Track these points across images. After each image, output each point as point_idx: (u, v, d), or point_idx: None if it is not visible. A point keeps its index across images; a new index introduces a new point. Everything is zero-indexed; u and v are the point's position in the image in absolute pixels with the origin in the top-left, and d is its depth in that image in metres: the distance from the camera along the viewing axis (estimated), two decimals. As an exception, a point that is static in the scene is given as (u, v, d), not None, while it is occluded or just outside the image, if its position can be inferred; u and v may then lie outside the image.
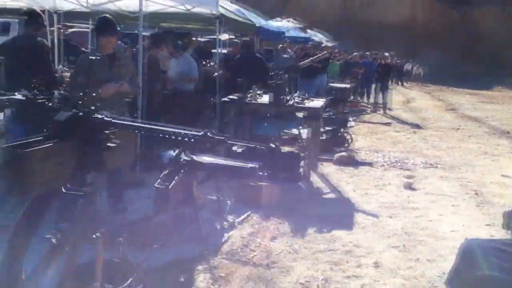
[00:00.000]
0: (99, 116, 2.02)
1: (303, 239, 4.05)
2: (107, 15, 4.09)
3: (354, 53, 15.64)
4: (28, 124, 2.20)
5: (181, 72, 6.61)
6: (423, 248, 3.98)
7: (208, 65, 10.48)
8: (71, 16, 9.37)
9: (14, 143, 1.88)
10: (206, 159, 4.21)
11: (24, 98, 2.22)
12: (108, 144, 2.03)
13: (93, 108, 2.08)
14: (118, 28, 4.26)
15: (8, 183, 1.85)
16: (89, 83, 3.40)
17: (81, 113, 2.02)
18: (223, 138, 1.97)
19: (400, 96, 18.91)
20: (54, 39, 8.54)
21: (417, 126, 10.80)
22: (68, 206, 2.73)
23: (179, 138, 1.91)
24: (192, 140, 1.90)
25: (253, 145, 4.77)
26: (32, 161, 1.84)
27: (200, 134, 1.90)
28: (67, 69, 7.26)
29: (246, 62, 7.12)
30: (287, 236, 4.09)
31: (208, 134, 1.91)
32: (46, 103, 2.18)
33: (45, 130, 2.06)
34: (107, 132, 2.04)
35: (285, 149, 6.67)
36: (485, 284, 1.87)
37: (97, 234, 2.07)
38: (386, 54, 14.41)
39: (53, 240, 2.07)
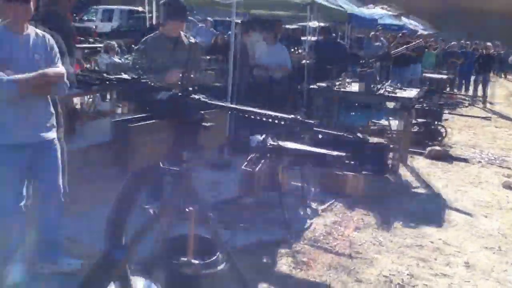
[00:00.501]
0: (196, 97, 2.12)
1: (388, 232, 3.94)
2: None
3: (453, 42, 14.64)
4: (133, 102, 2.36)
5: (275, 61, 6.59)
6: (522, 252, 3.68)
7: (297, 52, 10.47)
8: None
9: (122, 119, 2.04)
10: (292, 145, 4.26)
11: (130, 78, 2.39)
12: (204, 124, 2.14)
13: (191, 89, 2.19)
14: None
15: (115, 155, 2.01)
16: (152, 66, 3.39)
17: (180, 94, 2.14)
18: (312, 122, 1.98)
19: (503, 89, 17.43)
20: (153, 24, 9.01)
21: (522, 123, 9.92)
22: (164, 182, 2.93)
23: (270, 120, 1.95)
24: (282, 122, 1.93)
25: (341, 134, 4.71)
26: (136, 136, 1.99)
27: (290, 117, 1.93)
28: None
29: (325, 47, 7.07)
30: (371, 228, 4.01)
31: (298, 117, 1.93)
32: (149, 83, 2.31)
33: (147, 108, 2.21)
34: (202, 112, 2.15)
35: (373, 139, 6.48)
36: None
37: (190, 208, 2.20)
38: (488, 44, 13.28)
39: (151, 211, 2.24)
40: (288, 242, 3.56)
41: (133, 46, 9.31)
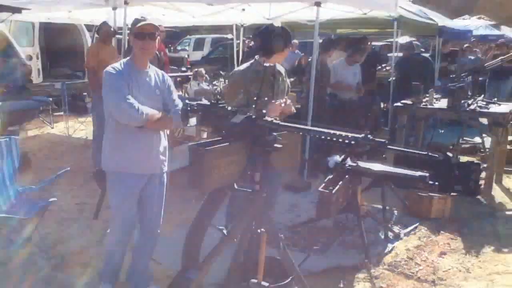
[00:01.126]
0: (269, 119, 2.22)
1: (477, 258, 3.70)
2: (279, 26, 3.55)
3: None
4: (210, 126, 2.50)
5: (351, 81, 6.52)
6: None
7: (384, 70, 10.23)
8: (253, 29, 10.24)
9: (198, 143, 2.21)
10: (372, 165, 4.18)
11: (209, 103, 2.55)
12: (276, 145, 2.23)
13: (264, 111, 2.30)
14: None
15: (192, 178, 2.17)
16: (249, 99, 3.06)
17: (253, 116, 2.25)
18: (383, 141, 1.97)
19: None
20: (239, 51, 9.48)
21: None
22: (239, 202, 3.06)
23: (340, 139, 1.97)
24: (353, 142, 1.95)
25: (419, 152, 4.54)
26: (212, 159, 2.13)
27: (360, 136, 1.94)
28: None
29: (409, 64, 6.87)
30: (458, 253, 3.79)
31: (369, 136, 1.93)
32: (226, 107, 2.45)
33: (223, 131, 2.36)
34: (275, 134, 2.24)
35: (463, 158, 6.12)
36: None
37: (262, 229, 2.27)
38: None
39: (224, 232, 2.35)
40: (367, 266, 3.49)
41: (220, 72, 9.80)
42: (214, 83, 8.51)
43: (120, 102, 2.54)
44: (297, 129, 2.17)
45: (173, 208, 3.73)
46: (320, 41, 6.69)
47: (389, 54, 10.15)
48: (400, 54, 8.44)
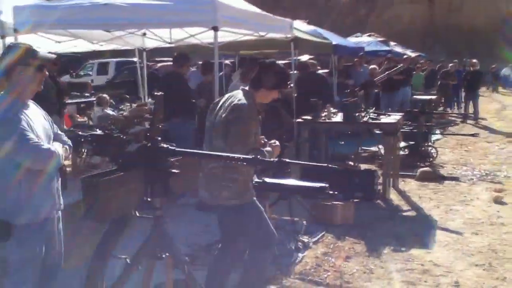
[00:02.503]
0: (164, 146, 2.24)
1: (379, 259, 3.97)
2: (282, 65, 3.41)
3: (450, 65, 14.80)
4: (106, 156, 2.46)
5: None
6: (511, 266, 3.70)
7: (288, 87, 10.69)
8: (157, 52, 10.19)
9: (91, 174, 2.16)
10: (277, 180, 4.33)
11: (102, 133, 2.52)
12: (173, 170, 2.25)
13: (159, 138, 2.32)
14: None
15: (87, 210, 2.11)
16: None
17: (149, 144, 2.26)
18: (271, 161, 2.09)
19: (495, 103, 17.57)
20: (143, 74, 9.37)
21: (513, 135, 10.00)
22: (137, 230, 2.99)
23: (233, 162, 2.06)
24: (245, 163, 2.04)
25: (324, 165, 4.80)
26: (106, 189, 2.10)
27: (250, 157, 2.04)
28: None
29: (306, 81, 7.33)
30: (362, 256, 4.04)
31: (258, 157, 2.04)
32: (121, 137, 2.43)
33: (119, 160, 2.33)
34: (172, 160, 2.26)
35: (363, 166, 6.58)
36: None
37: (166, 254, 2.27)
38: (474, 60, 13.53)
39: (128, 260, 2.31)
40: (278, 278, 3.59)
41: (126, 96, 9.59)
42: (120, 107, 8.31)
43: (35, 147, 2.32)
44: (192, 155, 2.22)
45: (72, 242, 3.56)
46: (227, 62, 6.83)
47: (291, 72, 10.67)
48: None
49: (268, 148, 2.99)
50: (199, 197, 3.00)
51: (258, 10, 6.92)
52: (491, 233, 4.45)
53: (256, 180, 4.08)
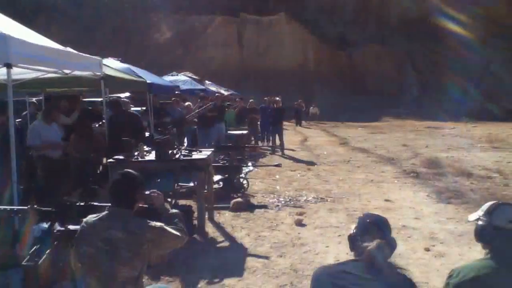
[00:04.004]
0: None
1: (193, 294, 4.02)
2: None
3: (250, 100, 16.24)
4: None
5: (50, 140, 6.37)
6: (309, 282, 4.12)
7: (97, 126, 10.28)
8: None
9: None
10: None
11: None
12: None
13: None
14: None
15: None
16: None
17: None
18: (49, 209, 1.98)
19: (298, 135, 19.84)
20: None
21: (311, 163, 11.37)
22: None
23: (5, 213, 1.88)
24: (19, 214, 1.88)
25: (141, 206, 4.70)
26: None
27: (25, 208, 1.89)
28: None
29: (119, 120, 7.27)
30: (177, 294, 4.04)
31: (35, 206, 1.91)
32: None
33: None
34: None
35: (181, 202, 6.65)
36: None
37: None
38: (277, 98, 15.14)
39: None
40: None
41: None
42: None
43: None
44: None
45: None
46: (32, 100, 6.25)
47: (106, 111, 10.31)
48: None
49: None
50: None
51: (60, 47, 6.55)
52: (293, 253, 4.93)
53: (58, 228, 3.79)
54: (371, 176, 9.46)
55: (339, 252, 4.88)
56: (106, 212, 2.63)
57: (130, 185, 2.71)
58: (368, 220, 2.34)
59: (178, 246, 2.71)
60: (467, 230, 5.37)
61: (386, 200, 7.23)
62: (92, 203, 3.43)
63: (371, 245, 2.17)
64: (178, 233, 2.62)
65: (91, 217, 2.64)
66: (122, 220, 2.52)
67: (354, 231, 2.36)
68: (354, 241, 2.33)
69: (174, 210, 2.88)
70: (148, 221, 2.58)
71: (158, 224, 2.57)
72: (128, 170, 2.99)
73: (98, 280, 2.44)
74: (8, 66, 5.04)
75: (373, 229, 2.29)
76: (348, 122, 27.59)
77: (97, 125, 9.78)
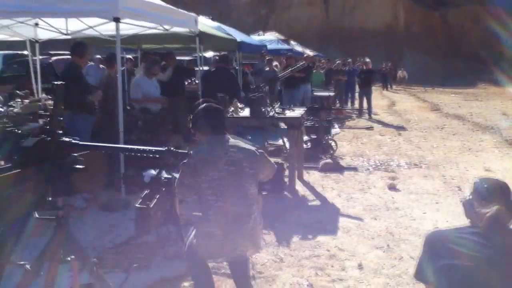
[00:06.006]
0: (66, 139, 2.07)
1: (288, 248, 4.09)
2: None
3: (337, 61, 15.82)
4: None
5: (151, 94, 6.61)
6: (407, 247, 4.03)
7: (194, 83, 10.57)
8: (51, 44, 9.47)
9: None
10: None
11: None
12: (76, 166, 2.09)
13: (60, 132, 2.13)
14: None
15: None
16: None
17: (48, 138, 2.07)
18: (185, 152, 2.04)
19: (385, 100, 19.09)
20: (37, 68, 8.65)
21: (402, 128, 10.92)
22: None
23: (145, 154, 1.97)
24: (157, 155, 1.97)
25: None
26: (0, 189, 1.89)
27: (163, 149, 1.97)
28: (50, 97, 7.31)
29: (214, 76, 7.33)
30: (272, 246, 4.13)
31: (172, 149, 1.98)
32: (16, 130, 2.21)
33: (14, 156, 2.11)
34: (74, 154, 2.10)
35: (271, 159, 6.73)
36: (447, 273, 1.93)
37: (72, 257, 2.11)
38: (367, 60, 14.55)
39: (27, 266, 2.10)
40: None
41: (17, 92, 8.79)
42: (10, 103, 7.57)
43: None
44: (98, 148, 2.08)
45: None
46: (129, 56, 6.56)
47: (196, 68, 10.58)
48: (205, 68, 8.86)
49: None
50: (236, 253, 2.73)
51: (162, 3, 6.73)
52: (388, 217, 4.81)
53: (165, 175, 4.00)
54: (468, 144, 8.88)
55: (437, 219, 4.68)
56: (206, 144, 2.72)
57: (220, 113, 2.87)
58: (485, 185, 2.18)
59: (271, 176, 2.95)
60: None
61: (487, 170, 6.76)
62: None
63: (490, 211, 2.02)
64: (272, 163, 2.87)
65: (195, 152, 2.69)
66: (228, 143, 2.69)
67: (470, 196, 2.21)
68: (470, 207, 2.18)
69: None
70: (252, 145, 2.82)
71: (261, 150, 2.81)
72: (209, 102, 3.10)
73: (229, 201, 2.59)
74: (117, 20, 5.27)
75: (492, 194, 2.13)
76: (439, 88, 25.96)
77: (187, 83, 10.05)
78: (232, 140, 2.74)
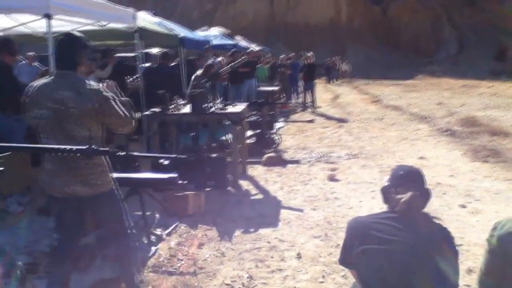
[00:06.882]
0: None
1: (230, 242, 4.15)
2: None
3: (282, 55, 16.06)
4: None
5: None
6: (343, 234, 4.18)
7: (137, 80, 10.37)
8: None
9: None
10: (126, 175, 4.22)
11: None
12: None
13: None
14: None
15: None
16: None
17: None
18: (106, 150, 2.04)
19: (329, 93, 19.58)
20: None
21: (343, 120, 11.28)
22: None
23: (65, 154, 1.95)
24: (78, 154, 1.95)
25: (173, 156, 4.82)
26: None
27: (84, 148, 1.96)
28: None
29: (156, 73, 7.27)
30: (214, 241, 4.18)
31: (93, 147, 1.97)
32: None
33: None
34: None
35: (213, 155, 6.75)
36: (366, 257, 2.06)
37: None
38: (309, 54, 14.86)
39: None
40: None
41: None
42: None
43: None
44: (20, 149, 2.04)
45: None
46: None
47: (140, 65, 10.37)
48: (147, 64, 8.72)
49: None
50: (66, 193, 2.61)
51: (96, -1, 6.55)
52: (327, 207, 4.99)
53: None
54: (405, 134, 9.32)
55: (372, 206, 4.90)
56: (52, 76, 2.68)
57: (72, 46, 2.68)
58: (401, 172, 2.30)
59: (122, 127, 2.73)
60: (504, 188, 5.29)
61: (421, 158, 7.15)
62: (131, 153, 3.54)
63: (405, 197, 2.15)
64: (122, 113, 2.65)
65: (36, 82, 2.68)
66: (69, 80, 2.57)
67: (388, 183, 2.33)
68: (387, 193, 2.30)
69: (123, 98, 2.84)
70: (99, 86, 2.67)
71: (110, 94, 2.63)
72: (72, 32, 2.98)
73: (57, 140, 2.48)
74: (48, 17, 5.08)
75: (407, 181, 2.26)
76: (380, 80, 26.93)
77: (130, 79, 9.86)
78: (82, 79, 2.60)
